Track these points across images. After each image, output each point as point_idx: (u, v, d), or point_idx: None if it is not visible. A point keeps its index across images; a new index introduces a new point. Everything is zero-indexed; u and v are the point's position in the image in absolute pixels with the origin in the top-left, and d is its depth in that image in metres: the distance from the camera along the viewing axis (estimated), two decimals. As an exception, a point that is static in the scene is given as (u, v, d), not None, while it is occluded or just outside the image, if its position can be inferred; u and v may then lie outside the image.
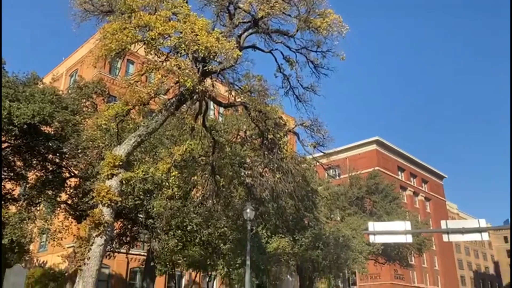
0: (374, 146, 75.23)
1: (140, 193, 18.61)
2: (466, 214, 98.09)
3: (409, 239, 30.36)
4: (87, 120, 21.11)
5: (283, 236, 23.10)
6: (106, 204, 10.54)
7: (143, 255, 29.82)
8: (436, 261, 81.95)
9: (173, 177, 14.06)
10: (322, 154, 17.66)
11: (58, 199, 21.37)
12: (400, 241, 31.15)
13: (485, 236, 29.58)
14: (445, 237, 29.75)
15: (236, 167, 21.79)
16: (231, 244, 19.90)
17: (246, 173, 22.69)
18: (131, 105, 12.40)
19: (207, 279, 31.69)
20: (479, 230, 28.92)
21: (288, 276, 28.63)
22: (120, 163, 11.08)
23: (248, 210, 17.07)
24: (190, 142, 14.44)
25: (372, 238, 30.07)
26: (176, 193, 14.72)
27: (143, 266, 27.25)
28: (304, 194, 24.72)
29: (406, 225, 30.28)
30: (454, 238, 30.07)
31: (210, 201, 17.28)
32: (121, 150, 11.45)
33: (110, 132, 14.82)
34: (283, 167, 15.00)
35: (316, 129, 14.23)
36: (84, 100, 22.86)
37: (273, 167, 16.81)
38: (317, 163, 21.93)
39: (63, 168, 21.52)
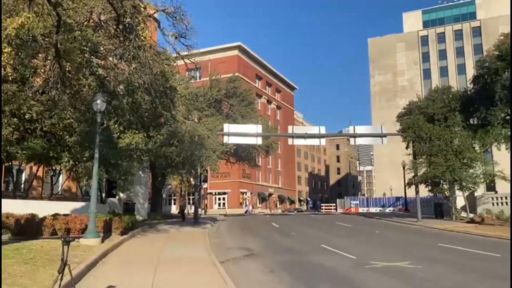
0: (236, 52, 75.91)
1: (-37, 72, 15.57)
2: (309, 124, 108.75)
3: (259, 141, 32.62)
4: None
5: (137, 132, 22.38)
6: None
7: (-28, 147, 26.21)
8: (279, 163, 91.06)
9: (6, 55, 11.95)
10: (184, 54, 16.90)
11: None
12: (251, 143, 33.32)
13: (323, 141, 33.24)
14: (290, 141, 32.68)
15: (87, 55, 19.59)
16: (78, 136, 18.51)
17: (98, 62, 20.67)
18: None
19: (52, 173, 29.78)
20: (318, 136, 32.37)
21: (140, 172, 28.54)
22: None
23: (98, 102, 15.70)
24: (28, 15, 12.20)
25: (226, 139, 31.43)
26: (10, 74, 12.63)
27: (-29, 158, 24.04)
28: (162, 90, 23.82)
29: (258, 129, 32.25)
30: (298, 142, 33.23)
31: (54, 90, 15.42)
32: None
33: None
34: (140, 57, 13.91)
35: (179, 17, 13.24)
36: None
37: (129, 56, 15.50)
38: (178, 61, 21.12)
39: None
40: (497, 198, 33.17)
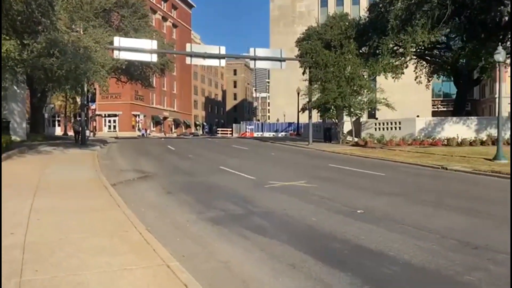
0: (128, -41, 68.04)
1: None
2: (207, 46, 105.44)
3: (154, 58, 30.46)
4: None
5: (8, 38, 18.98)
6: None
7: None
8: (175, 86, 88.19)
9: None
10: None
11: None
12: (145, 59, 30.96)
13: (223, 62, 32.21)
14: (188, 60, 31.09)
15: None
16: None
17: None
18: None
19: None
20: (218, 57, 31.20)
21: (15, 87, 24.90)
22: None
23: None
24: None
25: (116, 54, 28.69)
26: None
27: None
28: (38, -10, 20.22)
29: (153, 44, 29.98)
30: (196, 61, 31.78)
31: None
32: None
33: None
34: None
35: None
36: None
37: None
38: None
39: None
40: (378, 124, 36.08)
